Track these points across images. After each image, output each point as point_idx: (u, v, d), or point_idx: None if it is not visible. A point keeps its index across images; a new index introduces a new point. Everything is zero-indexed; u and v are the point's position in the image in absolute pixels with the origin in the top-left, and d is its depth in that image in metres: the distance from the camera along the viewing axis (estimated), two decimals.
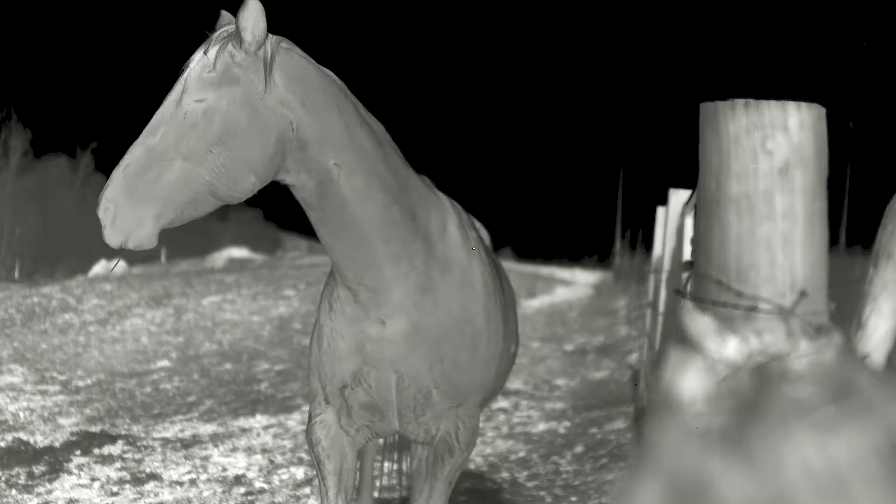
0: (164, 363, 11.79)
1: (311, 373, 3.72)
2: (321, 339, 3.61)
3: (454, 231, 3.61)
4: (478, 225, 4.65)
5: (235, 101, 3.14)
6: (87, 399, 9.69)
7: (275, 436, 8.16)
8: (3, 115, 32.02)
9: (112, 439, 7.91)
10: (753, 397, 1.39)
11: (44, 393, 9.92)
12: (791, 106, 1.49)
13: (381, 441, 5.49)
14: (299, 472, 7.02)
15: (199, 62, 3.18)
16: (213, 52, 3.18)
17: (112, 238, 3.08)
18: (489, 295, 3.68)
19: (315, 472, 6.91)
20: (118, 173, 3.09)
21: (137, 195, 3.08)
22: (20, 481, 6.76)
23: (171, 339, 13.47)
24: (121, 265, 26.65)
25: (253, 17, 3.14)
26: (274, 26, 3.24)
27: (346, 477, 3.67)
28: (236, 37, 3.17)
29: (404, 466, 5.76)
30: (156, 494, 6.54)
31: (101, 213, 3.07)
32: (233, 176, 3.15)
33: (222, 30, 3.25)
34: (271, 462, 7.32)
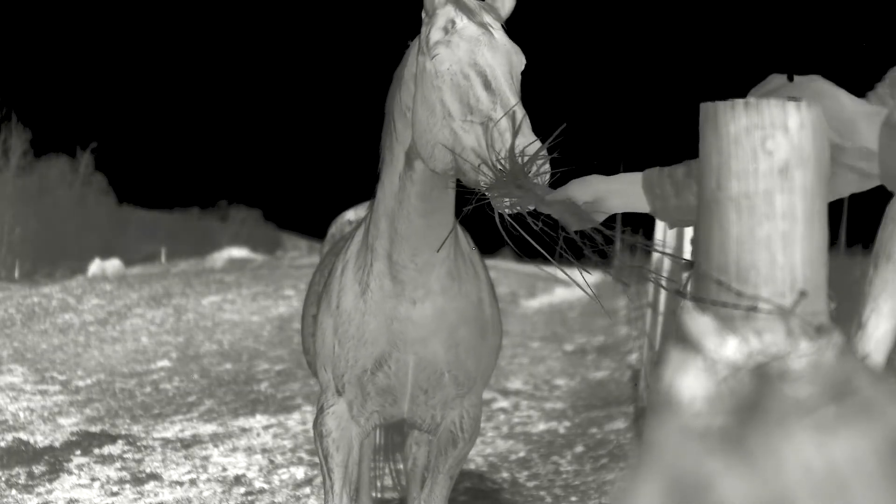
0: (164, 363, 11.79)
1: (321, 365, 3.73)
2: (345, 327, 3.61)
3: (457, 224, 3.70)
4: None
5: None
6: (87, 399, 9.70)
7: (275, 436, 8.16)
8: (3, 115, 32.01)
9: (112, 439, 7.92)
10: (753, 397, 1.39)
11: (44, 393, 9.93)
12: (791, 106, 1.49)
13: (377, 441, 5.50)
14: (299, 472, 7.02)
15: (497, 30, 3.11)
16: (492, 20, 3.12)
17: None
18: (489, 286, 3.83)
19: (316, 470, 6.92)
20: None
21: None
22: (20, 481, 6.76)
23: (171, 339, 13.47)
24: (118, 265, 26.62)
25: None
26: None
27: (352, 470, 3.72)
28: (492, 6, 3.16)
29: (401, 466, 5.76)
30: (156, 494, 6.54)
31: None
32: None
33: None
34: (271, 462, 7.32)
